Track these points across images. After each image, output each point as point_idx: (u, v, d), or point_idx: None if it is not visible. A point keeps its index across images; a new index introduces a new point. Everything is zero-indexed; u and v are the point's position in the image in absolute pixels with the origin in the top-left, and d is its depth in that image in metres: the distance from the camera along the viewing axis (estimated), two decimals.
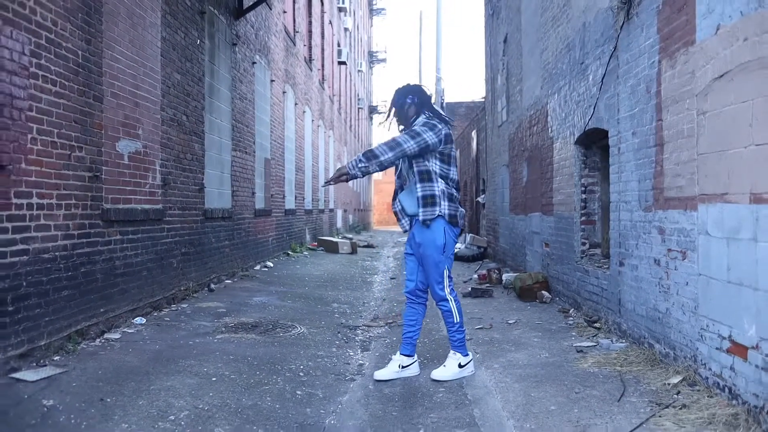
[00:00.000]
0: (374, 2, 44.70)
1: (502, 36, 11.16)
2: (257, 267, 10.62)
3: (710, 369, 3.53)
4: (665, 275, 4.17)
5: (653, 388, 3.74)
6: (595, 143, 6.13)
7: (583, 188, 6.34)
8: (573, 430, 3.18)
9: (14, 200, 4.03)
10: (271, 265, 11.15)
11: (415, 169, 4.15)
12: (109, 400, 3.63)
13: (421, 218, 4.14)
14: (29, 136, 4.18)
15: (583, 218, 6.35)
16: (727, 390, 3.33)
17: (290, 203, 14.07)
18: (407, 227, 4.32)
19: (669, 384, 3.72)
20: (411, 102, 4.30)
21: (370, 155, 4.04)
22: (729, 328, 3.32)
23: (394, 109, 4.38)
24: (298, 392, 3.99)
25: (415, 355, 4.39)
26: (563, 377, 4.11)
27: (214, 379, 4.14)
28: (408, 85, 4.42)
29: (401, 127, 4.41)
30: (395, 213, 4.40)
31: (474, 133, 17.10)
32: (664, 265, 4.18)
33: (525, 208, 9.11)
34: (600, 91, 5.49)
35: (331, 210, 21.63)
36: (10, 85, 3.97)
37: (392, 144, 4.05)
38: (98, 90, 5.15)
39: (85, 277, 4.94)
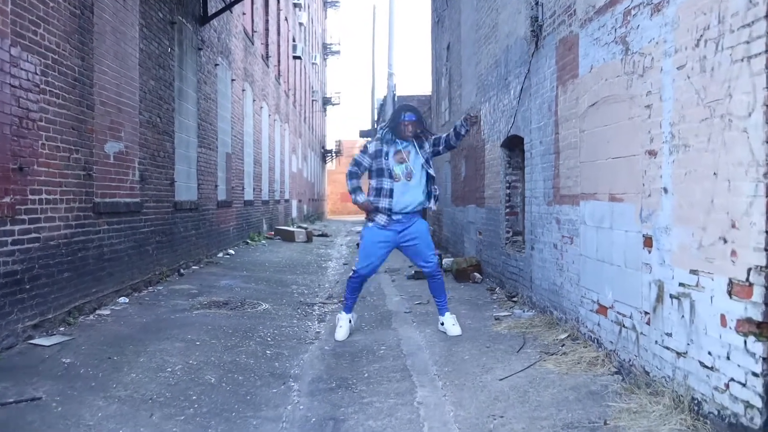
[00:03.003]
0: None
1: (445, 43, 12.22)
2: (220, 254, 11.47)
3: (586, 326, 4.64)
4: (560, 256, 5.27)
5: (545, 342, 4.85)
6: (517, 146, 7.22)
7: (507, 184, 7.44)
8: (479, 371, 4.24)
9: (30, 197, 4.87)
10: (233, 252, 12.01)
11: (429, 172, 5.35)
12: (116, 358, 4.53)
13: (435, 208, 5.48)
14: (40, 142, 5.01)
15: (508, 210, 7.45)
16: (595, 341, 4.44)
17: (249, 195, 14.90)
18: (385, 223, 5.28)
19: (558, 339, 4.82)
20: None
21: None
22: (597, 294, 4.43)
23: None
24: (268, 352, 4.95)
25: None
26: (479, 337, 5.18)
27: (198, 343, 5.07)
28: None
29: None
30: (385, 209, 5.24)
31: None
32: (560, 248, 5.28)
33: (464, 200, 10.21)
34: (518, 105, 6.57)
35: (287, 200, 22.46)
36: (27, 100, 4.80)
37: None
38: (90, 100, 5.97)
39: (81, 262, 5.78)
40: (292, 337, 5.47)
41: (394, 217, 5.27)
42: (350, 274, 5.49)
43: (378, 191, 5.27)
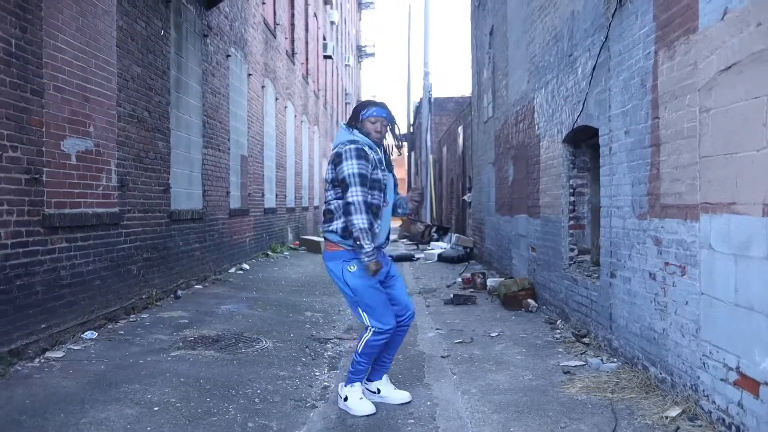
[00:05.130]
0: None
1: (488, 28, 10.70)
2: (232, 270, 10.13)
3: (714, 402, 3.10)
4: (662, 291, 3.73)
5: (649, 422, 3.31)
6: (584, 142, 5.70)
7: (571, 190, 5.91)
8: None
9: None
10: (247, 267, 10.66)
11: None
12: None
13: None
14: None
15: (572, 222, 5.92)
16: (734, 428, 2.90)
17: (270, 202, 13.57)
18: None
19: (667, 417, 3.28)
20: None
21: None
22: (737, 357, 2.89)
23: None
24: (250, 424, 3.53)
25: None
26: (547, 406, 3.67)
27: (156, 408, 3.68)
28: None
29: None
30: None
31: (460, 129, 16.65)
32: (661, 280, 3.74)
33: (511, 208, 8.67)
34: (590, 86, 5.05)
35: (316, 207, 21.14)
36: None
37: None
38: (37, 83, 4.65)
39: (22, 291, 4.46)
40: (289, 397, 4.03)
41: (380, 248, 3.77)
42: (368, 336, 3.68)
43: (376, 209, 3.65)
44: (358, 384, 3.75)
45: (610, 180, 4.66)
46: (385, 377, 3.92)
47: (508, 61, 8.77)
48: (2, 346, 4.22)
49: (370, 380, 3.89)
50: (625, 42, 4.27)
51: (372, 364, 3.82)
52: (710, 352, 3.14)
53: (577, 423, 3.37)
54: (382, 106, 3.79)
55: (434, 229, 17.83)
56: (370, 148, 3.66)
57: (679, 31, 3.46)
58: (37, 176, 4.66)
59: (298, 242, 15.77)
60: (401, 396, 3.86)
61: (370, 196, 3.58)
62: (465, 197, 15.03)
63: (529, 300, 6.75)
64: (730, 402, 2.94)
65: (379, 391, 3.88)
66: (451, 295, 7.57)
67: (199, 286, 8.33)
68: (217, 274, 9.39)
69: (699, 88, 3.24)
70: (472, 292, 7.98)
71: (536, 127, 7.05)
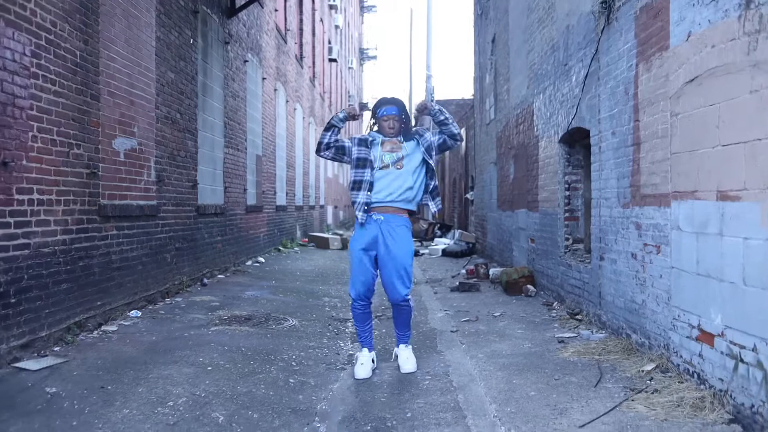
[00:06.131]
0: None
1: (490, 36, 11.35)
2: (249, 262, 10.77)
3: (681, 356, 3.73)
4: (641, 268, 4.37)
5: (628, 375, 3.95)
6: (578, 142, 6.34)
7: (566, 185, 6.54)
8: (551, 412, 3.38)
9: (16, 196, 4.18)
10: (263, 260, 11.30)
11: (430, 163, 4.39)
12: (109, 387, 3.79)
13: (435, 209, 4.48)
14: (30, 134, 4.33)
15: (567, 214, 6.55)
16: (696, 375, 3.54)
17: (281, 199, 14.22)
18: (363, 221, 4.31)
19: (643, 371, 3.92)
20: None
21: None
22: (698, 317, 3.53)
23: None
24: (291, 380, 4.16)
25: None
26: (544, 365, 4.31)
27: (209, 368, 4.31)
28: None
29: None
30: (362, 204, 4.29)
31: (463, 131, 17.29)
32: (641, 259, 4.38)
33: (512, 204, 9.31)
34: (582, 92, 5.69)
35: (322, 206, 21.78)
36: (12, 84, 4.11)
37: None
38: (95, 89, 5.29)
39: (83, 271, 5.09)
40: (321, 362, 4.67)
41: (374, 216, 4.28)
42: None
43: (358, 184, 4.30)
44: (365, 350, 4.38)
45: (599, 175, 5.30)
46: (402, 346, 4.51)
47: (510, 67, 9.42)
48: (69, 318, 4.86)
49: (397, 346, 4.56)
50: (612, 55, 4.92)
51: (368, 330, 4.42)
52: (678, 316, 3.78)
53: (568, 376, 4.01)
54: (392, 103, 4.43)
55: (437, 227, 18.47)
56: (373, 137, 4.42)
57: (654, 48, 4.11)
58: (95, 171, 5.30)
59: (306, 239, 16.40)
60: (408, 367, 4.36)
61: (357, 174, 4.34)
62: (468, 195, 15.68)
63: (529, 286, 7.40)
64: (693, 354, 3.58)
65: (396, 357, 4.54)
66: (457, 284, 8.21)
67: (222, 276, 8.96)
68: (236, 265, 10.02)
69: (670, 96, 3.88)
70: (476, 281, 8.62)
71: (535, 128, 7.69)
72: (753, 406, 2.95)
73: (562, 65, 6.41)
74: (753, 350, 2.96)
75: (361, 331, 4.43)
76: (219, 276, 8.90)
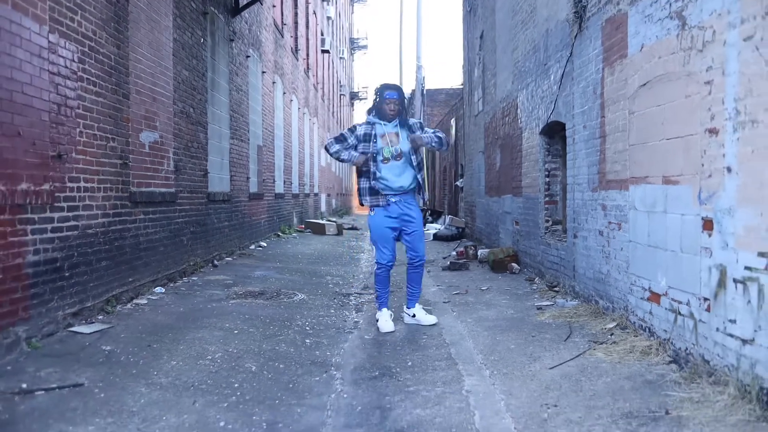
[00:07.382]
0: None
1: (478, 32, 12.02)
2: (252, 246, 11.45)
3: (636, 315, 4.47)
4: (606, 243, 5.10)
5: (593, 332, 4.69)
6: (556, 134, 7.04)
7: (546, 173, 7.26)
8: (527, 360, 4.11)
9: (68, 184, 4.84)
10: (265, 245, 11.98)
11: (416, 157, 5.34)
12: (155, 346, 4.49)
13: (425, 198, 5.31)
14: (77, 129, 4.98)
15: (547, 199, 7.27)
16: (647, 330, 4.27)
17: (279, 187, 14.88)
18: (385, 204, 5.24)
19: (606, 328, 4.66)
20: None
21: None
22: (648, 281, 4.26)
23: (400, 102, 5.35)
24: (307, 341, 4.87)
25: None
26: (523, 326, 5.04)
27: (236, 332, 5.01)
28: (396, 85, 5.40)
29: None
30: (382, 189, 5.21)
31: (453, 121, 17.98)
32: (606, 235, 5.11)
33: (498, 190, 10.03)
34: (559, 90, 6.39)
35: (316, 194, 22.45)
36: (65, 87, 4.77)
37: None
38: (126, 88, 5.94)
39: (118, 251, 5.76)
40: (331, 327, 5.38)
41: (393, 199, 5.24)
42: (374, 268, 5.43)
43: (373, 175, 5.23)
44: (384, 310, 5.27)
45: (573, 163, 6.02)
46: (418, 305, 5.42)
47: (497, 63, 10.11)
48: (108, 292, 5.53)
49: (408, 307, 5.42)
50: (583, 58, 5.62)
51: (387, 292, 5.36)
52: (634, 281, 4.51)
53: (543, 334, 4.75)
54: (394, 89, 5.35)
55: (429, 213, 19.20)
56: (372, 126, 5.29)
57: (617, 55, 4.81)
58: (126, 161, 5.96)
59: (303, 225, 17.08)
60: (431, 319, 5.34)
61: (371, 166, 5.26)
62: (458, 183, 16.41)
63: (513, 264, 8.14)
64: (645, 312, 4.31)
65: (414, 315, 5.36)
66: (448, 263, 8.94)
67: (229, 259, 9.64)
68: (241, 249, 10.70)
69: (628, 97, 4.59)
70: (465, 261, 9.34)
71: (519, 121, 8.40)
72: (686, 348, 3.68)
73: (542, 64, 7.10)
74: (687, 304, 3.69)
75: (382, 293, 5.33)
76: (227, 258, 9.57)
